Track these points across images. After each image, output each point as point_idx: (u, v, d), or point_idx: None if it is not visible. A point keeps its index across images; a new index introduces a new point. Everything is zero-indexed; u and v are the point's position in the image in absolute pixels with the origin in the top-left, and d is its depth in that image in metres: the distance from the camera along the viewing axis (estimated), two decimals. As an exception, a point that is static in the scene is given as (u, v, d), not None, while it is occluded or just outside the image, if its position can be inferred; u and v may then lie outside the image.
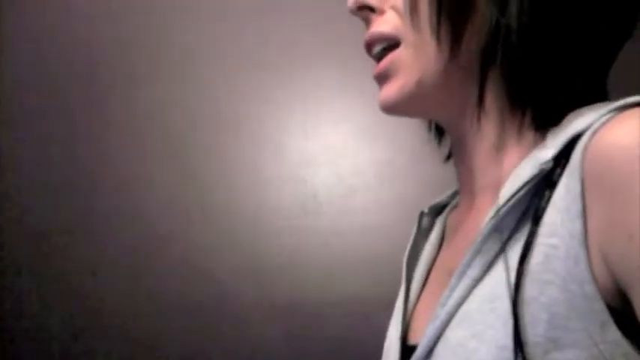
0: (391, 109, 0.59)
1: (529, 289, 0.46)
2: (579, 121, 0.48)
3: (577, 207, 0.45)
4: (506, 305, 0.46)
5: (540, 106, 0.54)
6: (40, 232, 1.47)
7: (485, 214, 0.52)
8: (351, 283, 1.37)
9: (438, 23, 0.54)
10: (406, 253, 0.66)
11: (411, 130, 1.35)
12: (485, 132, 0.57)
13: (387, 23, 0.58)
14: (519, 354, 0.44)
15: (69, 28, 1.54)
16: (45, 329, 1.44)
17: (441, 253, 0.65)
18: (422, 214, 0.70)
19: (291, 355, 1.38)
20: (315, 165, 1.44)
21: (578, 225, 0.45)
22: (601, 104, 0.50)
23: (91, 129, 1.50)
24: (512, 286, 0.46)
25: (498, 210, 0.49)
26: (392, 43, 0.58)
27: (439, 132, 0.69)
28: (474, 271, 0.50)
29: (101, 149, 1.49)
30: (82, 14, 1.54)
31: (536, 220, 0.47)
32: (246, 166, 1.46)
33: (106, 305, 1.43)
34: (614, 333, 0.44)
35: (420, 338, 0.53)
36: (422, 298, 0.63)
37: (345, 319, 1.36)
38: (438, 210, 0.71)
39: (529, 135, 0.54)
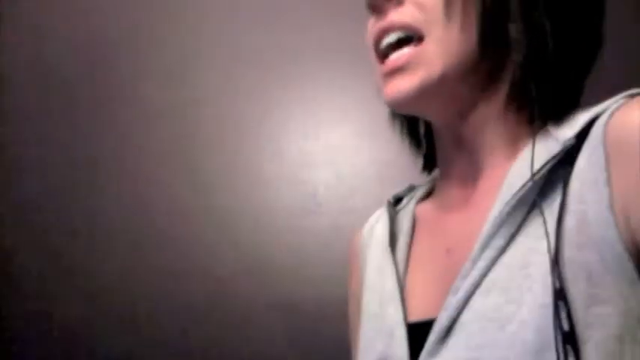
0: (405, 101, 0.59)
1: (566, 251, 0.49)
2: (590, 111, 0.53)
3: (603, 176, 0.49)
4: (543, 269, 0.49)
5: (550, 109, 0.57)
6: (40, 232, 1.47)
7: (491, 196, 0.55)
8: (351, 283, 1.37)
9: (484, 22, 0.56)
10: (387, 239, 0.66)
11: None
12: (497, 130, 0.60)
13: (407, 15, 0.58)
14: (564, 308, 0.47)
15: (69, 28, 1.54)
16: (45, 329, 1.44)
17: (420, 239, 0.66)
18: (389, 203, 0.72)
19: (290, 355, 1.38)
20: (315, 165, 1.44)
21: (604, 192, 0.49)
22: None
23: (92, 129, 1.50)
24: (553, 248, 0.49)
25: (525, 184, 0.52)
26: (409, 35, 0.58)
27: (416, 140, 0.72)
28: (498, 242, 0.52)
29: (101, 149, 1.49)
30: (83, 14, 1.54)
31: (564, 190, 0.51)
32: (247, 167, 1.46)
33: (106, 305, 1.43)
34: None
35: (433, 313, 0.54)
36: (409, 281, 0.63)
37: (345, 319, 1.36)
38: (396, 201, 0.74)
39: (525, 128, 0.59)
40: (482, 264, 0.52)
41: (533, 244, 0.51)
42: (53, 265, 1.45)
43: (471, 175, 0.61)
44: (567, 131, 0.53)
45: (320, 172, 1.44)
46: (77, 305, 1.43)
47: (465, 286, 0.53)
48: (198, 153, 1.47)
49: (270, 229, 1.42)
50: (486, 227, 0.53)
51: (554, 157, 0.52)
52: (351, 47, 1.47)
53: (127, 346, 1.41)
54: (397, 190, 0.76)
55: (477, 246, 0.53)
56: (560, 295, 0.47)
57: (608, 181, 0.49)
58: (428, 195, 0.71)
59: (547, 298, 0.48)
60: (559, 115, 0.57)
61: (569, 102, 0.60)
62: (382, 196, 1.46)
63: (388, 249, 0.65)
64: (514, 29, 0.56)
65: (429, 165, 0.72)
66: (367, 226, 0.76)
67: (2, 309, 1.46)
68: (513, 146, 0.59)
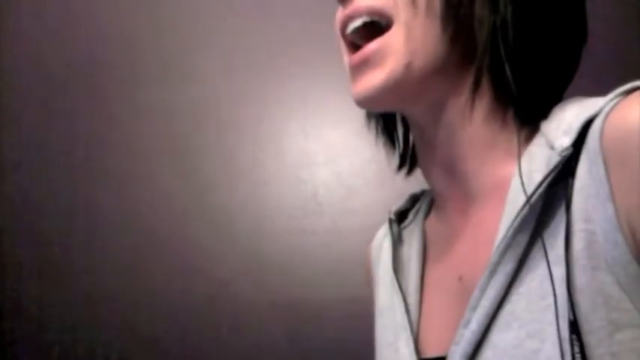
0: (373, 98, 0.56)
1: (579, 277, 0.46)
2: (582, 110, 0.49)
3: (605, 191, 0.45)
4: (561, 299, 0.46)
5: (526, 101, 0.54)
6: (40, 232, 1.47)
7: (497, 214, 0.52)
8: (351, 283, 1.37)
9: (447, 7, 0.54)
10: (390, 263, 0.64)
11: (411, 130, 1.35)
12: (474, 129, 0.56)
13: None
14: (576, 342, 0.44)
15: (69, 28, 1.53)
16: (45, 330, 1.44)
17: (432, 263, 0.62)
18: (391, 221, 0.68)
19: (290, 355, 1.38)
20: (315, 165, 1.44)
21: (609, 208, 0.45)
22: (586, 98, 0.52)
23: (91, 129, 1.50)
24: (565, 277, 0.46)
25: (527, 201, 0.48)
26: (375, 20, 0.56)
27: (391, 138, 0.68)
28: (506, 267, 0.49)
29: (101, 149, 1.49)
30: (82, 14, 1.54)
31: (568, 208, 0.47)
32: (246, 167, 1.46)
33: (106, 306, 1.43)
34: None
35: (450, 347, 0.51)
36: (425, 310, 0.60)
37: (344, 319, 1.36)
38: (401, 216, 0.69)
39: (513, 131, 0.55)
40: (491, 293, 0.49)
41: (547, 270, 0.47)
42: (53, 265, 1.45)
43: (466, 189, 0.58)
44: (563, 138, 0.49)
45: (320, 172, 1.44)
46: (77, 305, 1.43)
47: (478, 317, 0.49)
48: (197, 153, 1.47)
49: (270, 230, 1.42)
50: (493, 254, 0.49)
51: (553, 170, 0.48)
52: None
53: (127, 346, 1.41)
54: (397, 201, 0.72)
55: (484, 274, 0.50)
56: (574, 329, 0.44)
57: (611, 196, 0.45)
58: (432, 206, 0.67)
59: (567, 332, 0.45)
60: (542, 110, 0.54)
61: (553, 95, 0.56)
62: (382, 196, 1.47)
63: (394, 277, 0.62)
64: (478, 9, 0.53)
65: (408, 165, 0.69)
66: (376, 241, 0.72)
67: (1, 310, 1.45)
68: (503, 147, 0.55)
